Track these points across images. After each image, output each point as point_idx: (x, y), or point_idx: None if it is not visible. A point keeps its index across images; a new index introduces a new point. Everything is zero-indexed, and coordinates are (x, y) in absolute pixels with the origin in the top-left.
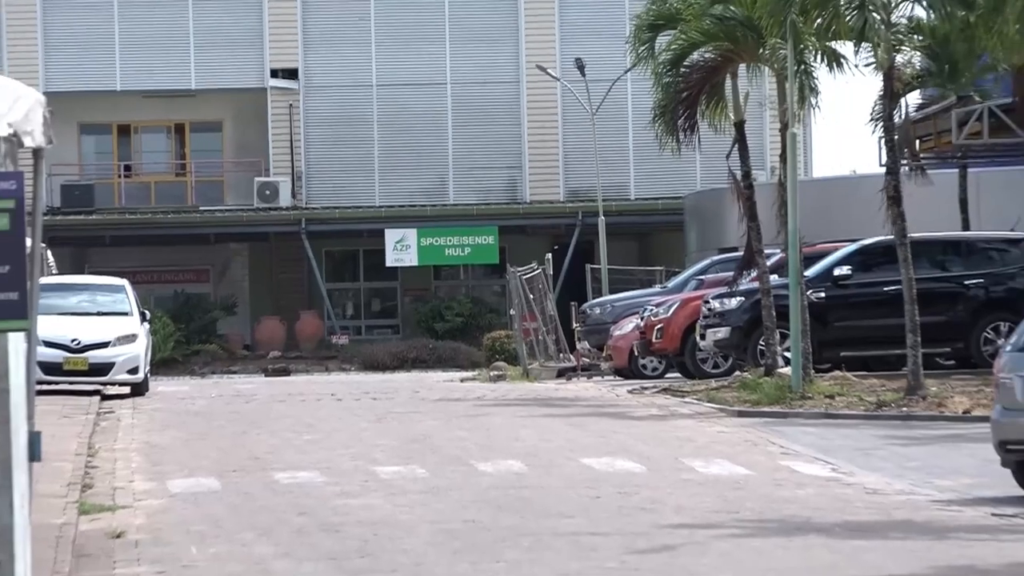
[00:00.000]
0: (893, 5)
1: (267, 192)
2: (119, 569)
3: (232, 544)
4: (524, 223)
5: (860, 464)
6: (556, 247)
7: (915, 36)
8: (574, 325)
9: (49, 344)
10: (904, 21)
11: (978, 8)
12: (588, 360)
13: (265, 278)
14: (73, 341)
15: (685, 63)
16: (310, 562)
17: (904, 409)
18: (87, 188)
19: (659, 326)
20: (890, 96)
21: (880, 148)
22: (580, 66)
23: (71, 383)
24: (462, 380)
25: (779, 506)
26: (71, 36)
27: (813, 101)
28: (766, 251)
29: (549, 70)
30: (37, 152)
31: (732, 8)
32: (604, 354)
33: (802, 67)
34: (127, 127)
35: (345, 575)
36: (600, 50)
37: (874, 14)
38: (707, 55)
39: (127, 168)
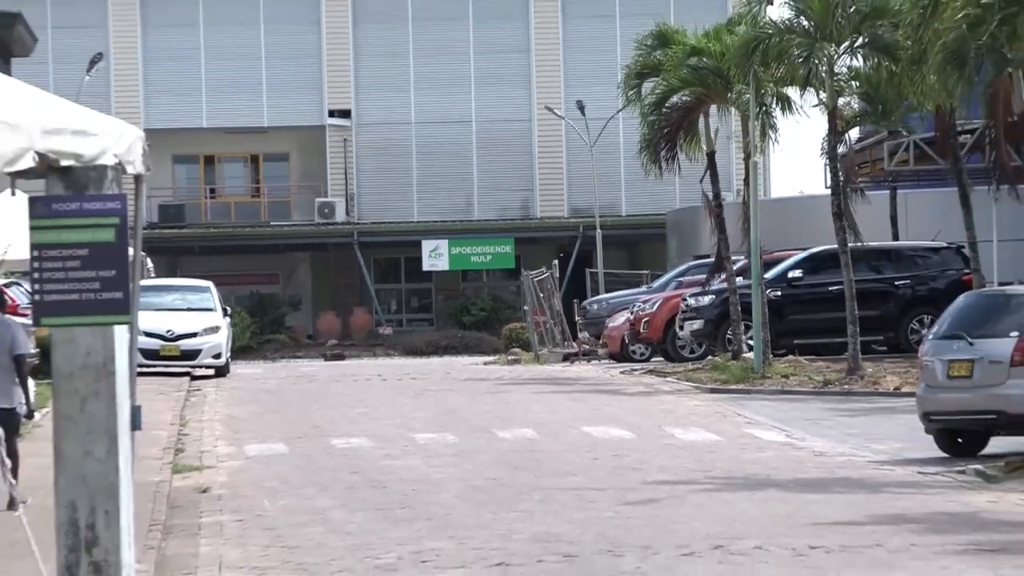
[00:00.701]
0: (836, 58)
1: (326, 210)
2: (205, 518)
3: (297, 498)
4: (535, 235)
5: (810, 432)
6: (561, 255)
7: (854, 83)
8: (576, 318)
9: (148, 334)
10: (845, 70)
11: (903, 61)
12: (587, 347)
13: (324, 280)
14: (168, 332)
15: (666, 105)
16: (361, 512)
17: (846, 387)
18: (179, 207)
19: (645, 319)
20: (834, 132)
21: (826, 173)
22: (581, 107)
23: (166, 366)
24: (485, 363)
25: (743, 466)
26: (166, 82)
27: (771, 135)
28: (733, 257)
29: (555, 110)
30: (138, 178)
31: (705, 60)
32: (600, 342)
33: (762, 108)
34: (212, 157)
35: (389, 523)
36: (597, 93)
37: (820, 65)
38: (684, 98)
39: (212, 191)
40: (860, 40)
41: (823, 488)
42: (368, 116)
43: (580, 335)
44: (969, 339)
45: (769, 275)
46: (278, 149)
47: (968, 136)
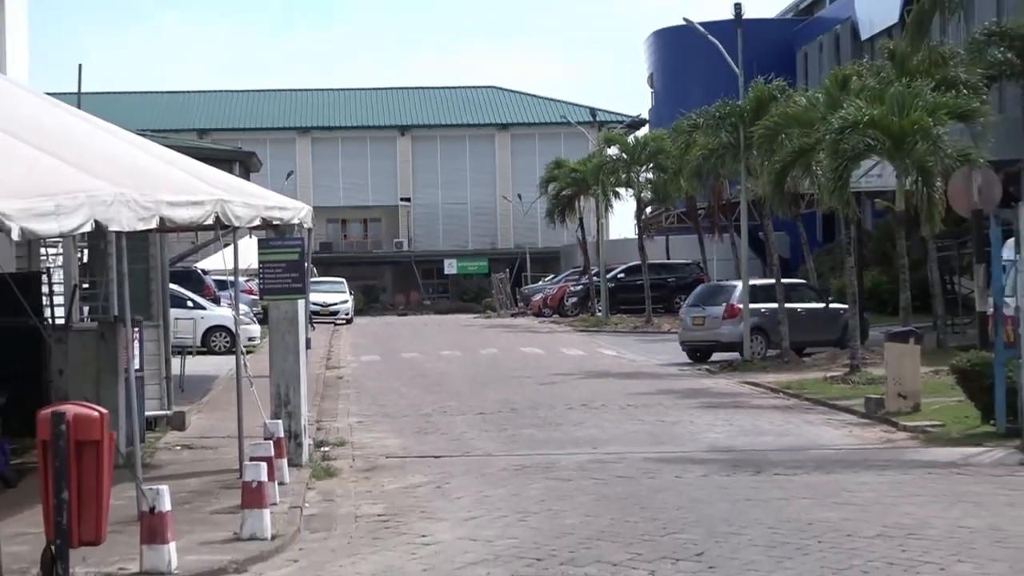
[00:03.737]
0: (639, 173)
1: (398, 245)
2: (342, 390)
3: (384, 381)
4: (497, 257)
5: (628, 351)
6: (509, 267)
7: (648, 185)
8: (517, 296)
9: (314, 303)
10: (644, 179)
11: (671, 174)
12: (522, 309)
13: (399, 281)
14: (323, 303)
15: (560, 195)
16: (414, 388)
17: (647, 330)
18: (328, 243)
19: (550, 296)
20: (640, 207)
21: (637, 226)
22: (519, 196)
23: (323, 320)
24: (474, 318)
25: (596, 367)
26: (323, 183)
27: (610, 209)
28: (593, 268)
29: (507, 197)
30: (309, 230)
31: (578, 173)
32: (529, 307)
33: (605, 197)
34: (344, 220)
35: (428, 393)
36: (529, 187)
37: (632, 176)
38: (566, 192)
39: (344, 235)
40: (651, 164)
41: (634, 376)
42: (417, 200)
43: (519, 305)
44: (703, 306)
45: (608, 276)
46: (375, 216)
47: (702, 210)
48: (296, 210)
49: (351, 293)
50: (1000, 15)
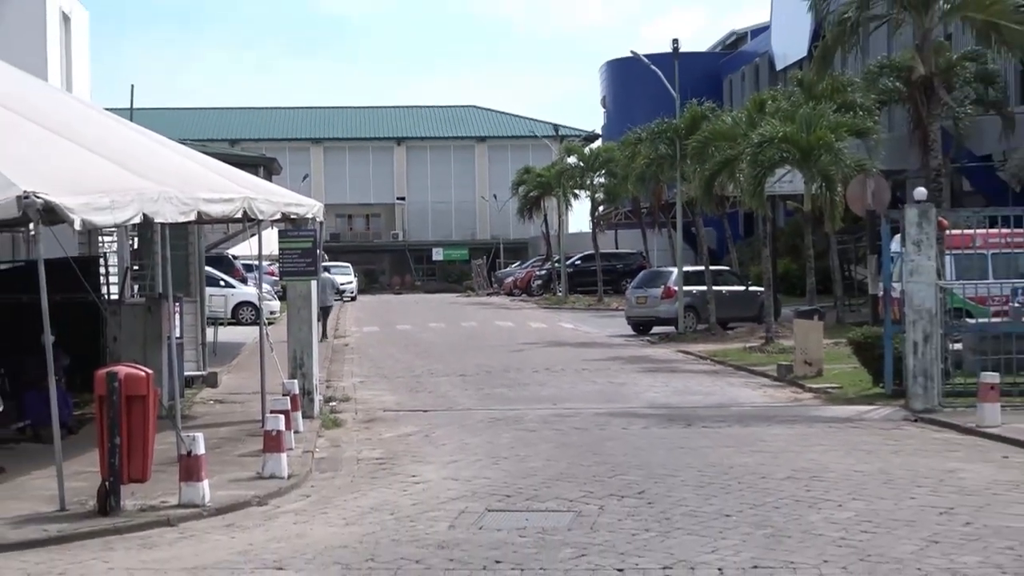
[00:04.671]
0: (593, 178)
1: (394, 235)
2: (347, 355)
3: (382, 348)
4: (476, 246)
5: (582, 324)
6: (486, 255)
7: (602, 187)
8: (493, 278)
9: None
10: (597, 183)
11: (620, 178)
12: (496, 290)
13: (395, 265)
14: (334, 283)
15: (529, 196)
16: (407, 354)
17: (599, 307)
18: (336, 234)
19: (519, 279)
20: (594, 206)
21: (591, 222)
22: (495, 196)
23: (338, 298)
24: (456, 296)
25: (556, 338)
26: (333, 183)
27: (570, 207)
28: (555, 256)
29: (484, 196)
30: (320, 223)
31: (543, 177)
32: (502, 288)
33: (565, 197)
34: (350, 215)
35: (418, 358)
36: (502, 189)
37: (587, 180)
38: (534, 193)
39: (350, 227)
40: (603, 171)
41: (588, 345)
42: (410, 199)
43: (493, 286)
44: (645, 288)
45: (567, 262)
46: (376, 212)
47: (645, 209)
48: (310, 206)
49: (355, 275)
50: (890, 50)
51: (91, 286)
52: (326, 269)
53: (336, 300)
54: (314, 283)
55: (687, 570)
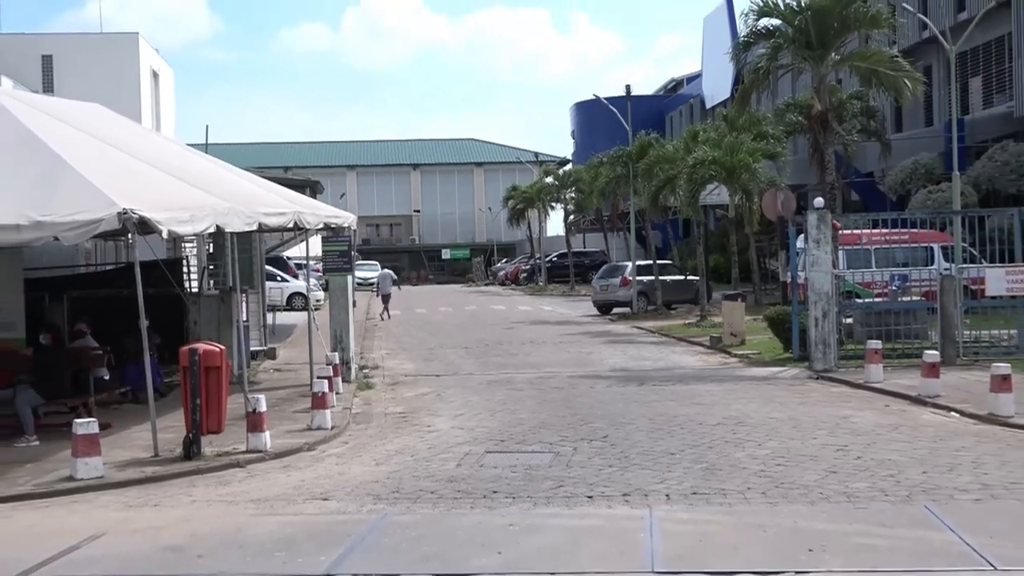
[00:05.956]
0: (566, 193)
1: (411, 240)
2: (376, 333)
3: (405, 327)
4: (475, 248)
5: (560, 307)
6: (484, 254)
7: (572, 200)
8: (489, 272)
9: (358, 278)
10: (572, 195)
11: (585, 193)
12: (491, 281)
13: (413, 263)
14: (363, 278)
15: (516, 208)
16: (422, 333)
17: (571, 294)
18: (367, 240)
19: (510, 272)
20: (566, 215)
21: (565, 227)
22: (489, 208)
23: (363, 289)
24: (461, 287)
25: (538, 318)
26: (365, 199)
27: (548, 215)
28: (536, 255)
29: (481, 208)
30: (354, 231)
31: (527, 193)
32: (496, 280)
33: (544, 207)
34: (377, 224)
35: (431, 336)
36: (496, 202)
37: (562, 195)
38: (519, 206)
39: (378, 234)
40: (573, 188)
41: (565, 324)
42: (424, 211)
43: (490, 278)
44: (607, 278)
45: (547, 259)
46: (397, 221)
47: (606, 217)
48: (346, 218)
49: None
50: (794, 92)
51: (176, 282)
52: (358, 267)
53: (365, 291)
54: (349, 278)
55: (642, 496)
